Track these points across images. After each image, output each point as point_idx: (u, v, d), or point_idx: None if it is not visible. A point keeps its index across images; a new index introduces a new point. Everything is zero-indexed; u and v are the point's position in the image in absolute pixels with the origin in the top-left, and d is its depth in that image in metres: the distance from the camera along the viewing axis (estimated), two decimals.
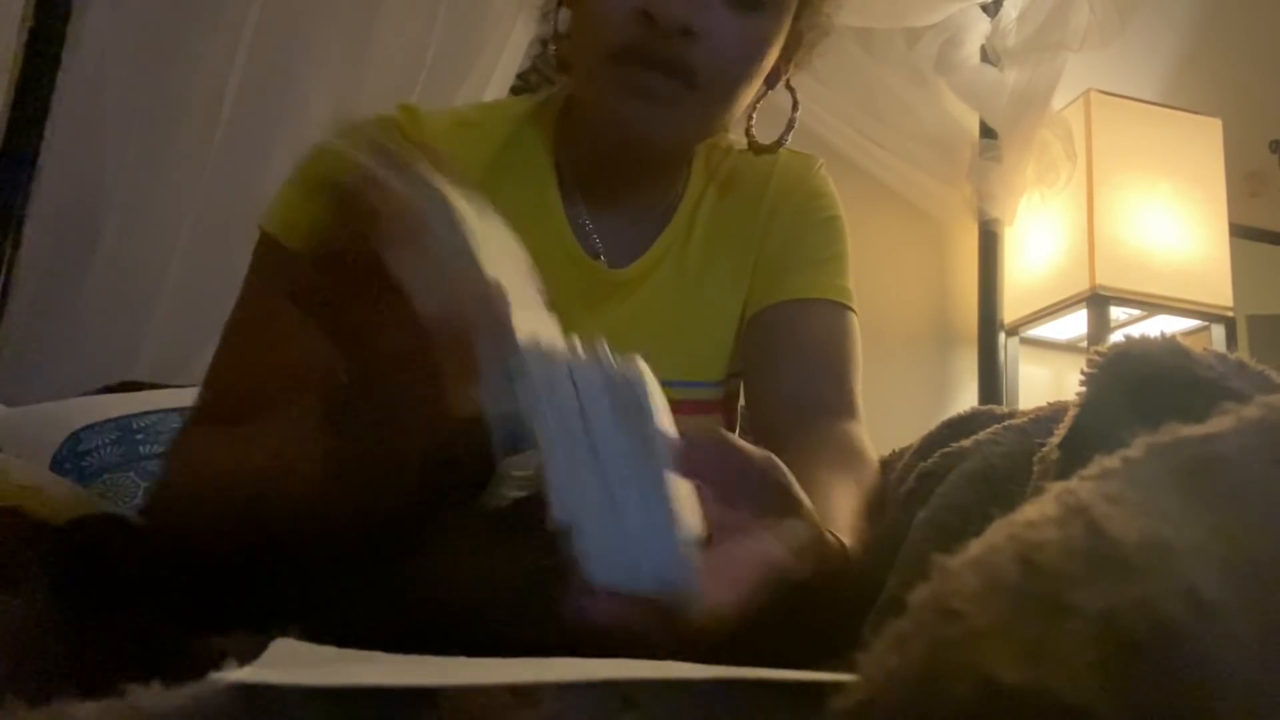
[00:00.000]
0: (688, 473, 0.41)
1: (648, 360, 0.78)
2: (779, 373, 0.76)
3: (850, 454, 0.67)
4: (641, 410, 0.39)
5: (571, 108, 0.78)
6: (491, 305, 0.41)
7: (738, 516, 0.44)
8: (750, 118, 0.80)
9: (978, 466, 0.50)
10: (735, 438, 0.46)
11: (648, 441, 0.39)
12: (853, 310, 0.80)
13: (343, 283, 0.43)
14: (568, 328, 0.73)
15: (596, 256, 0.77)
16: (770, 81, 0.78)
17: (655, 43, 0.65)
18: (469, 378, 0.41)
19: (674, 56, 0.66)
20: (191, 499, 0.60)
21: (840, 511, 0.56)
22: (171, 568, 0.57)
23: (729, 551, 0.41)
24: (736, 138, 0.83)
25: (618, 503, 0.38)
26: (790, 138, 0.81)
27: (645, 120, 0.68)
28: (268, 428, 0.56)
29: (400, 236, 0.41)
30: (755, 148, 0.81)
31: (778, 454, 0.66)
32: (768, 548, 0.42)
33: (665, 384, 0.76)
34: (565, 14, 0.75)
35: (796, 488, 0.47)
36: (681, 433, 0.42)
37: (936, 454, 0.57)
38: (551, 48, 0.76)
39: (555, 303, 0.73)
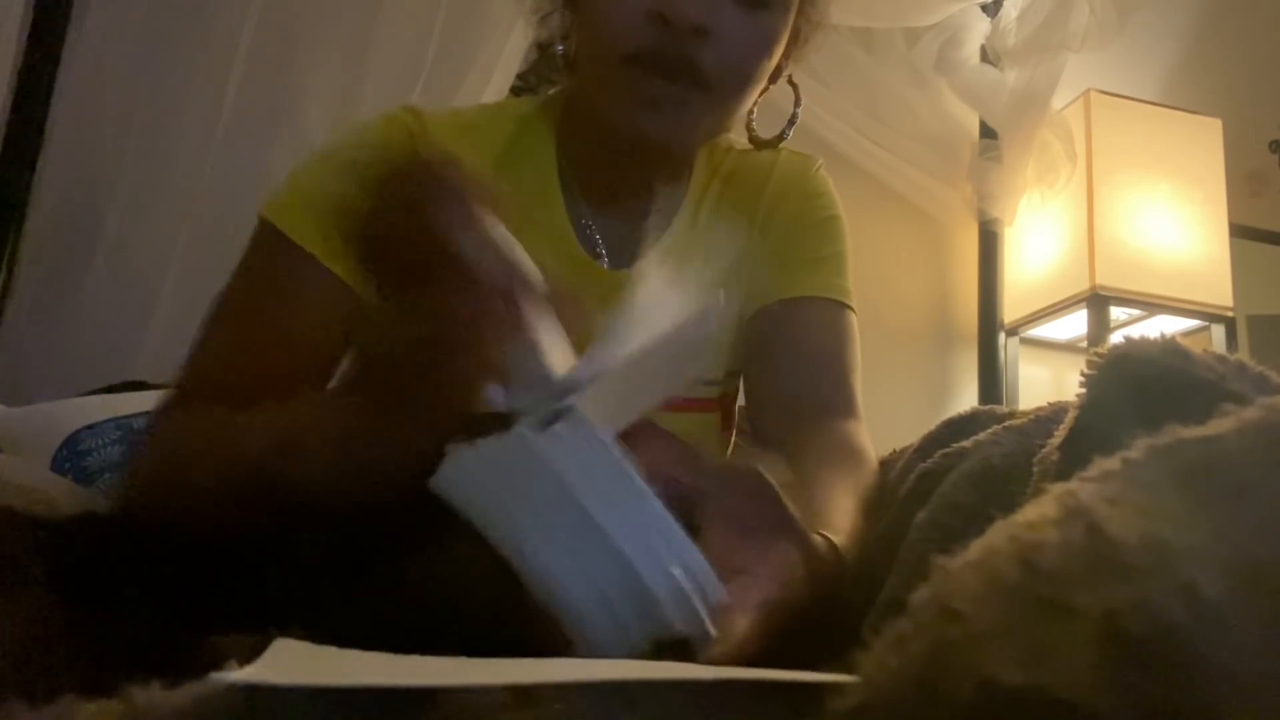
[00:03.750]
0: (679, 506, 0.40)
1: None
2: (778, 372, 0.76)
3: (849, 453, 0.67)
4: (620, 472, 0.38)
5: (575, 108, 0.78)
6: (519, 307, 0.42)
7: (731, 545, 0.43)
8: (751, 114, 0.80)
9: (977, 467, 0.50)
10: (714, 459, 0.45)
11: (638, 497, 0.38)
12: (852, 309, 0.80)
13: (383, 260, 0.43)
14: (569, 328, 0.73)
15: (598, 257, 0.77)
16: (772, 78, 0.78)
17: (669, 44, 0.65)
18: (485, 374, 0.41)
19: (686, 59, 0.66)
20: (183, 480, 0.58)
21: (838, 511, 0.56)
22: (171, 567, 0.57)
23: (731, 595, 0.40)
24: (736, 136, 0.83)
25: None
26: (791, 132, 0.81)
27: (659, 128, 0.68)
28: (272, 405, 0.54)
29: (458, 216, 0.41)
30: (757, 143, 0.81)
31: (775, 453, 0.65)
32: (765, 587, 0.41)
33: None
34: (566, 15, 0.75)
35: (784, 497, 0.46)
36: (670, 469, 0.41)
37: (936, 454, 0.56)
38: (558, 48, 0.75)
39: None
